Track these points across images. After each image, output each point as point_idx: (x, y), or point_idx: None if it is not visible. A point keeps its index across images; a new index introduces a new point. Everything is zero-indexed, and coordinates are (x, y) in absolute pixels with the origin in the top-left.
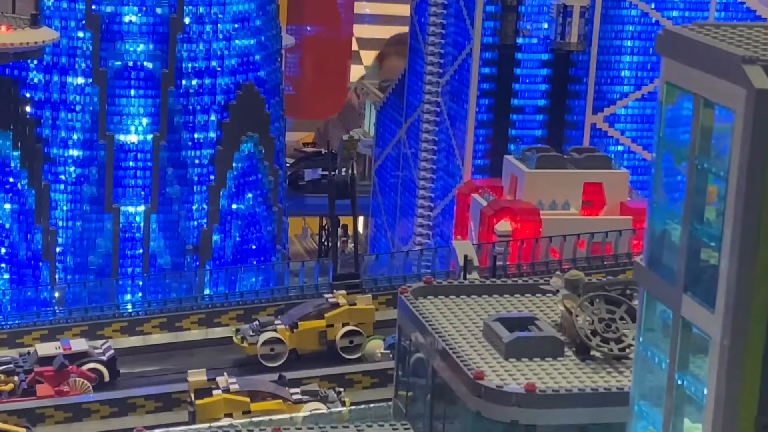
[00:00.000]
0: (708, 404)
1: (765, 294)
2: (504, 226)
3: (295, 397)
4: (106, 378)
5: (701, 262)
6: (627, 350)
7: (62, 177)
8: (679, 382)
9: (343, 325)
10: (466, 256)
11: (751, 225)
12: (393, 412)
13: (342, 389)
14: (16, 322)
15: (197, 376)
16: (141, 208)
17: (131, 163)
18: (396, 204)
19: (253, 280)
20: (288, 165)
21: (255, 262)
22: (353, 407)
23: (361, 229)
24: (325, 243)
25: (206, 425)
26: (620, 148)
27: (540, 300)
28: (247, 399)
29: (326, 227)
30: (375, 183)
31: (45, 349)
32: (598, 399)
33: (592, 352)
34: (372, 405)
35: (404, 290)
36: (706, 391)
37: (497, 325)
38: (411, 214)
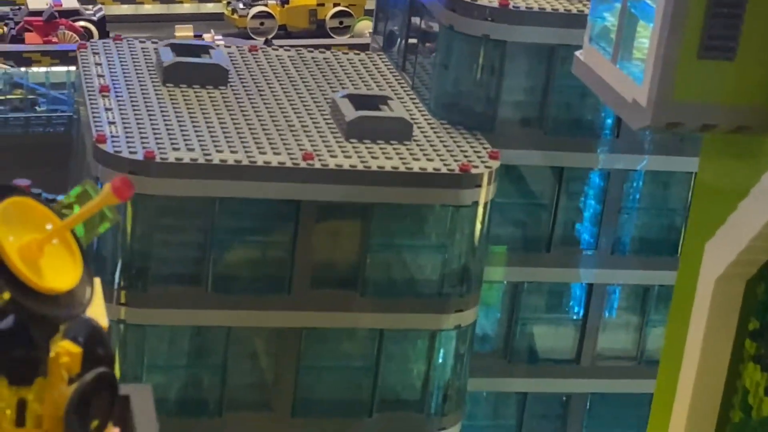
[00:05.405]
0: None
1: None
2: None
3: None
4: (95, 37)
5: None
6: None
7: None
8: None
9: (334, 5)
10: None
11: None
12: (371, 48)
13: None
14: None
15: (184, 31)
16: None
17: None
18: None
19: None
20: None
21: None
22: None
23: None
24: None
25: None
26: None
27: None
28: None
29: None
30: None
31: (36, 2)
32: (568, 20)
33: None
34: None
35: None
36: None
37: None
38: None
